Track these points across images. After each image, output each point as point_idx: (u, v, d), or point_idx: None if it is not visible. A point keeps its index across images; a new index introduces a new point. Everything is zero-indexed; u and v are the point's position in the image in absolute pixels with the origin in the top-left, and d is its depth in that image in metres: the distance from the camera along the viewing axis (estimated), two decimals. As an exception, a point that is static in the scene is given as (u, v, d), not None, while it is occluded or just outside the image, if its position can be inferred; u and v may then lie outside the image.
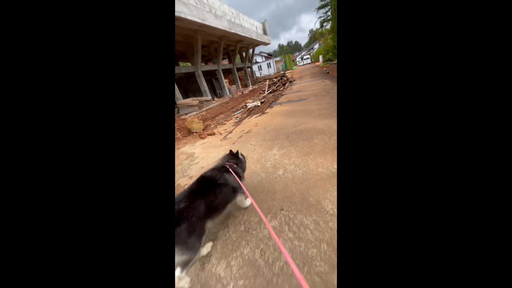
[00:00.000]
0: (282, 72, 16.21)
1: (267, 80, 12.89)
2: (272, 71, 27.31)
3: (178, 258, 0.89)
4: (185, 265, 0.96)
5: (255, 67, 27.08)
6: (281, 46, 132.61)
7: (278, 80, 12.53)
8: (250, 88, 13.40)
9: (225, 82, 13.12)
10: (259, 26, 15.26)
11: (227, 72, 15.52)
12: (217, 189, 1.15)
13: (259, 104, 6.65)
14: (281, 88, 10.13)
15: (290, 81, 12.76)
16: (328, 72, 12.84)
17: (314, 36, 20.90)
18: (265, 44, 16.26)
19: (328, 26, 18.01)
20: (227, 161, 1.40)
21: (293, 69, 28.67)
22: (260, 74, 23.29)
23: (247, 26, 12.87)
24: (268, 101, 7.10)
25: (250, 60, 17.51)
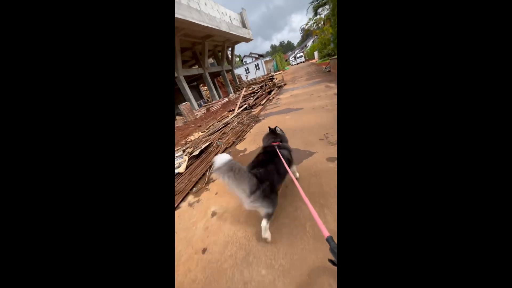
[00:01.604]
0: (271, 74, 12.62)
1: (243, 90, 9.38)
2: (261, 73, 23.75)
3: (265, 210, 1.14)
4: (269, 217, 1.17)
5: (241, 70, 23.54)
6: (273, 47, 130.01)
7: (261, 87, 8.91)
8: (225, 100, 9.82)
9: (203, 91, 9.49)
10: (235, 16, 11.74)
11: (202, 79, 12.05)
12: (279, 160, 1.30)
13: (184, 164, 2.81)
14: (264, 100, 6.62)
15: (279, 86, 9.39)
16: (329, 71, 9.45)
17: (307, 30, 17.62)
18: (246, 40, 12.71)
19: (324, 13, 14.64)
20: (273, 141, 1.51)
21: (285, 69, 25.26)
22: (247, 77, 19.77)
23: (216, 15, 9.39)
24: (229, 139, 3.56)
25: (230, 62, 14.02)
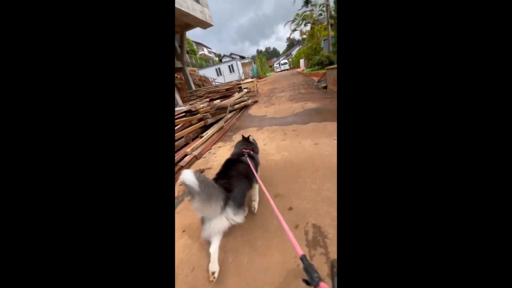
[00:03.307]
0: (239, 82, 8.31)
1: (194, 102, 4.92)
2: (235, 77, 19.49)
3: (242, 214, 1.08)
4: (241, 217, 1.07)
5: (211, 71, 18.75)
6: (259, 52, 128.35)
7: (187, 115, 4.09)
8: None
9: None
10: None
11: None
12: (244, 167, 1.29)
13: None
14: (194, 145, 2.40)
15: (245, 106, 5.35)
16: (325, 87, 5.73)
17: (293, 29, 14.16)
18: (201, 24, 7.78)
19: (316, 9, 11.17)
20: (244, 148, 1.50)
21: (266, 75, 21.56)
22: (214, 80, 14.97)
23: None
24: None
25: (180, 56, 9.43)
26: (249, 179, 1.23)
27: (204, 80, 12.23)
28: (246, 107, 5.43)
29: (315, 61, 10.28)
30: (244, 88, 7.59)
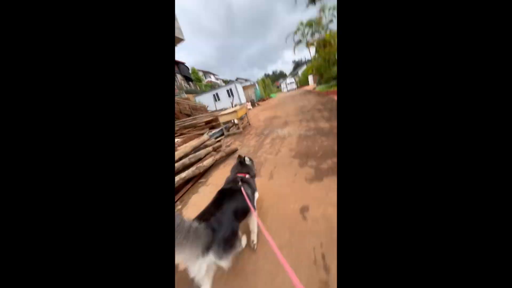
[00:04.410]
0: (219, 113, 5.62)
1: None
2: (236, 101, 17.31)
3: (229, 256, 0.86)
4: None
5: (208, 97, 16.61)
6: (267, 75, 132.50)
7: None
8: None
9: None
10: None
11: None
12: (239, 198, 1.11)
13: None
14: None
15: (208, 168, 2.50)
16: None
17: (299, 42, 11.99)
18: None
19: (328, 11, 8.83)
20: (238, 172, 1.32)
21: (270, 97, 19.30)
22: (208, 107, 12.72)
23: None
24: None
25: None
26: (245, 210, 1.05)
27: (197, 109, 9.85)
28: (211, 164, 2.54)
29: (329, 76, 7.55)
30: (224, 123, 4.82)
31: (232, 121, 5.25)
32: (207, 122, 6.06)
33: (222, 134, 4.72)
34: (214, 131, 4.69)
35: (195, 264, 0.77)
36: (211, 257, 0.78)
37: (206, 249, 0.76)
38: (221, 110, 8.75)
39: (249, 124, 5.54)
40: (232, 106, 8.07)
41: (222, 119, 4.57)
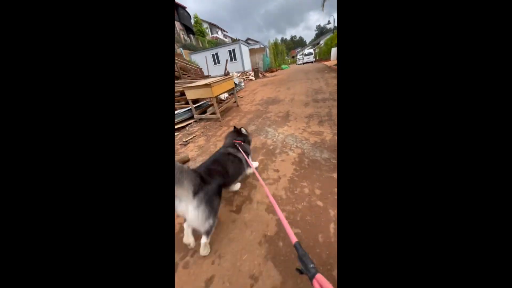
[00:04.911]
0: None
1: None
2: (238, 67, 14.43)
3: (206, 222, 0.94)
4: (209, 232, 0.99)
5: (208, 57, 13.59)
6: (283, 40, 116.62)
7: None
8: None
9: None
10: None
11: None
12: (233, 162, 1.27)
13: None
14: None
15: None
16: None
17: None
18: None
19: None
20: (235, 139, 1.44)
21: (282, 68, 16.58)
22: (207, 71, 10.36)
23: None
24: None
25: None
26: (236, 173, 1.26)
27: (187, 70, 7.69)
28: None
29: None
30: (193, 101, 3.30)
31: (224, 96, 3.67)
32: (182, 94, 4.46)
33: (192, 117, 3.27)
34: (178, 110, 3.20)
35: (181, 203, 0.89)
36: (196, 204, 0.89)
37: (194, 193, 0.89)
38: (214, 77, 6.87)
39: (237, 106, 4.00)
40: (225, 75, 6.23)
41: (189, 95, 3.02)
